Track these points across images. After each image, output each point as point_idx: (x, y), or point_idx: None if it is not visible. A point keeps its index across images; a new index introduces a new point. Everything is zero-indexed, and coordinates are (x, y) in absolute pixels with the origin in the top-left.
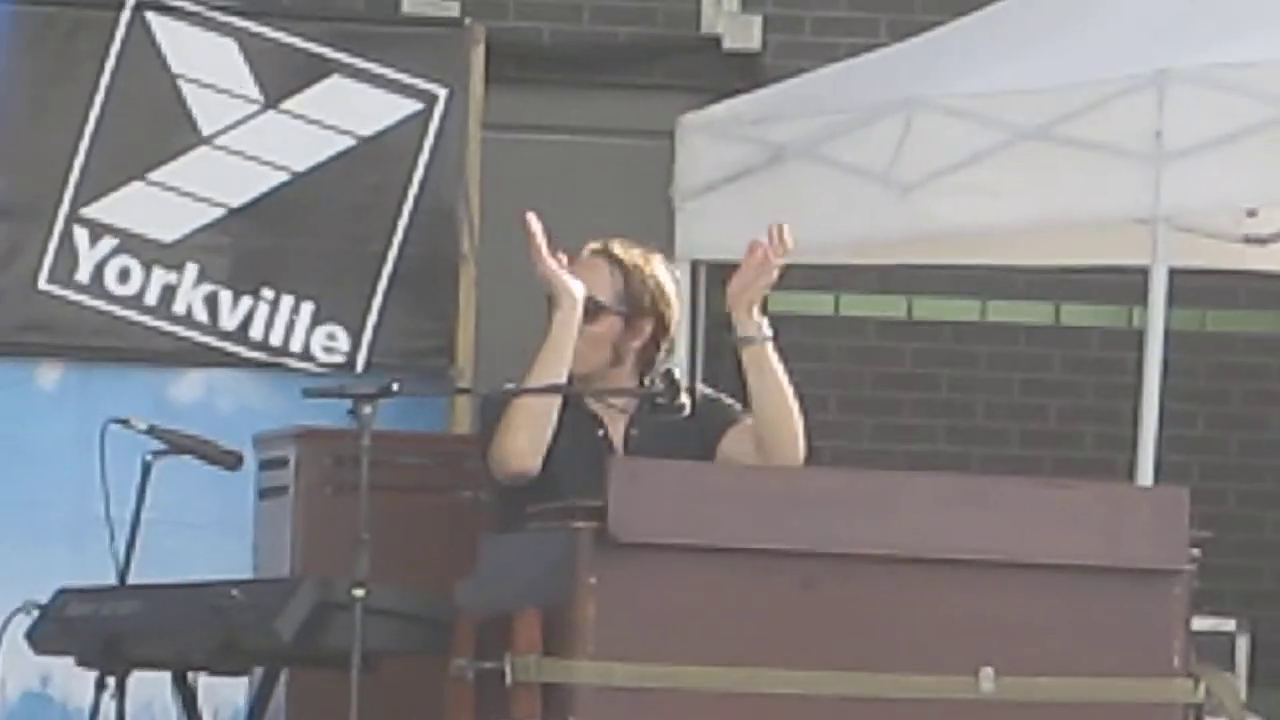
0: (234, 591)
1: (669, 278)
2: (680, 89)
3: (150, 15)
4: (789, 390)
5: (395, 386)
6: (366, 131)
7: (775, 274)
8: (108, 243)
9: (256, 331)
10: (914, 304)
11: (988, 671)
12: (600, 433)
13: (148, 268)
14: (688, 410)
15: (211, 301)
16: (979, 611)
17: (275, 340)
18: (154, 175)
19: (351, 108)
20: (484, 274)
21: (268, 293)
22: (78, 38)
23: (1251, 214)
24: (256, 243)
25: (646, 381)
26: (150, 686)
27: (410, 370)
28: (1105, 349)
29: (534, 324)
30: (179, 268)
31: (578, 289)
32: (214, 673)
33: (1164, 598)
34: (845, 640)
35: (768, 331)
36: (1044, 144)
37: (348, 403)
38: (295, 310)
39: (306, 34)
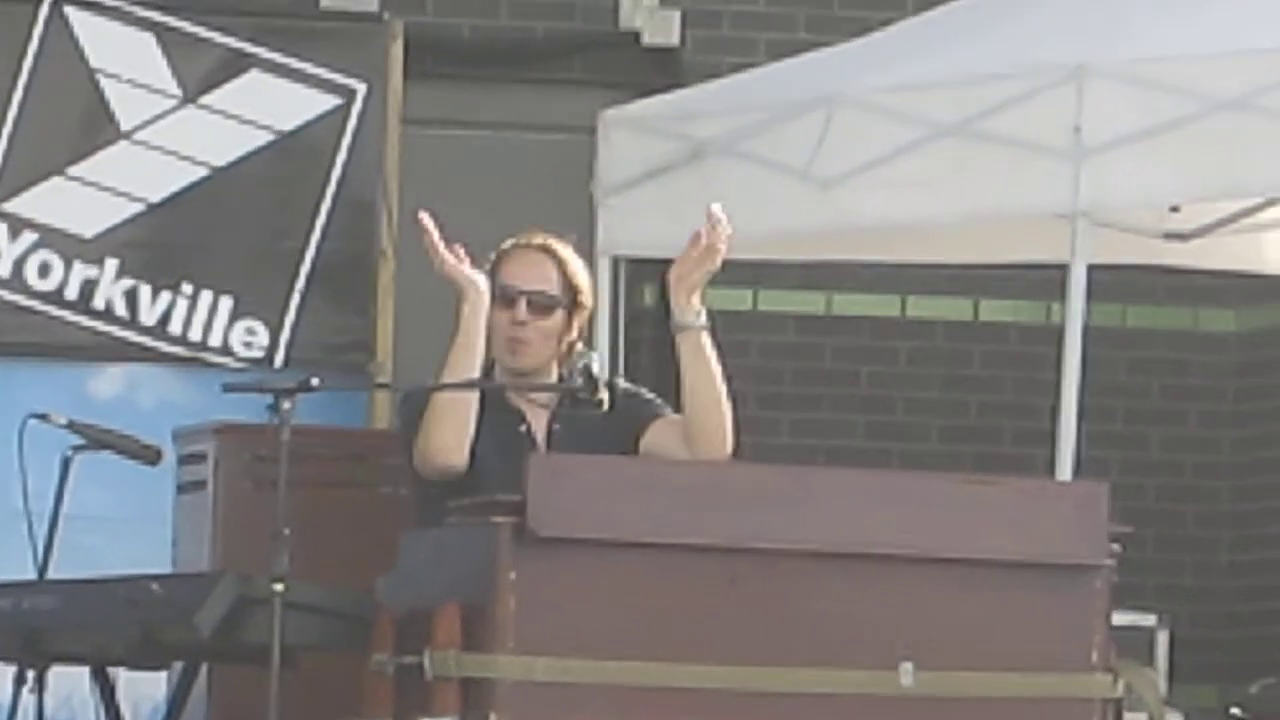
0: (153, 586)
1: (586, 269)
2: (599, 84)
3: (69, 9)
4: (721, 381)
5: (315, 382)
6: (286, 126)
7: (719, 261)
8: (28, 237)
9: (176, 326)
10: (833, 300)
11: (908, 666)
12: (522, 427)
13: (68, 262)
14: (606, 405)
15: (131, 296)
16: (899, 607)
17: (195, 335)
18: (74, 170)
19: (271, 103)
20: (403, 269)
21: (187, 288)
22: None
23: (1174, 210)
24: (176, 238)
25: (564, 375)
26: (70, 681)
27: (330, 365)
28: (1025, 344)
29: (453, 319)
30: (99, 262)
31: (481, 280)
32: (134, 667)
33: (1084, 593)
34: (765, 635)
35: (705, 320)
36: (963, 139)
37: (268, 398)
38: (214, 305)
39: (225, 29)
